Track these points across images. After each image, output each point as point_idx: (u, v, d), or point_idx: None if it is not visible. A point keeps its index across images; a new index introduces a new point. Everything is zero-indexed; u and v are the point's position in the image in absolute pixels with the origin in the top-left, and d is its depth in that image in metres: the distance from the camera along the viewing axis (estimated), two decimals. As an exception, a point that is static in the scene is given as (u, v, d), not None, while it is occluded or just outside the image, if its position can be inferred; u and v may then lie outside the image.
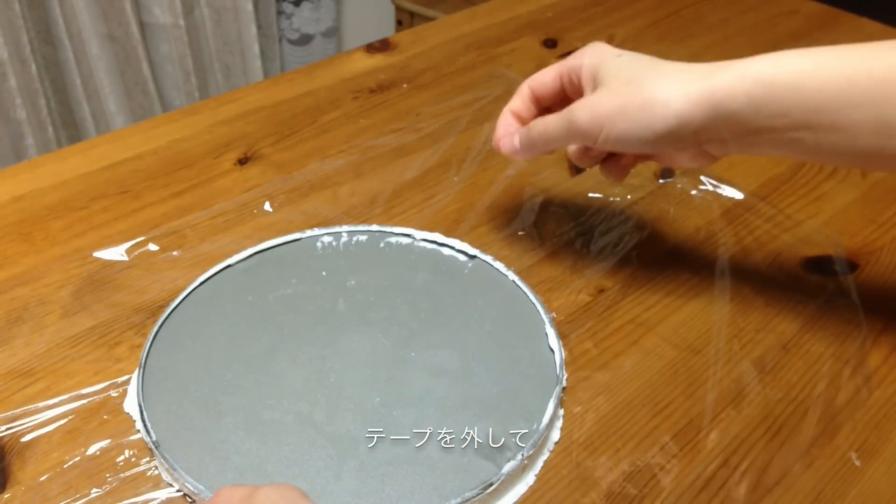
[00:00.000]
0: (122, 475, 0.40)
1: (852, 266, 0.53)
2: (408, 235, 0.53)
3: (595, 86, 0.44)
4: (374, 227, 0.53)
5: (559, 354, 0.44)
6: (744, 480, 0.40)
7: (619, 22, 0.84)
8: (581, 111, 0.43)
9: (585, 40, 0.79)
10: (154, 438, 0.40)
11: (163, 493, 0.39)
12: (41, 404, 0.43)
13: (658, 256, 0.53)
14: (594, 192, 0.58)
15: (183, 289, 0.49)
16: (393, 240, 0.53)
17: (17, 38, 1.27)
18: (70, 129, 1.46)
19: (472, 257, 0.51)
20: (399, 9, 1.69)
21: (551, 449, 0.41)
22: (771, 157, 0.63)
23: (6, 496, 0.39)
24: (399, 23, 1.71)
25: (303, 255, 0.52)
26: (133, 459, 0.41)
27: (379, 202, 0.57)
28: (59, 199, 0.58)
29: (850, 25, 0.83)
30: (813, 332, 0.48)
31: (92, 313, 0.48)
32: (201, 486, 0.38)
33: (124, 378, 0.44)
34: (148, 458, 0.41)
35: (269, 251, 0.52)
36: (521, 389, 0.43)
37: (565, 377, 0.44)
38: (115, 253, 0.53)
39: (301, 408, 0.42)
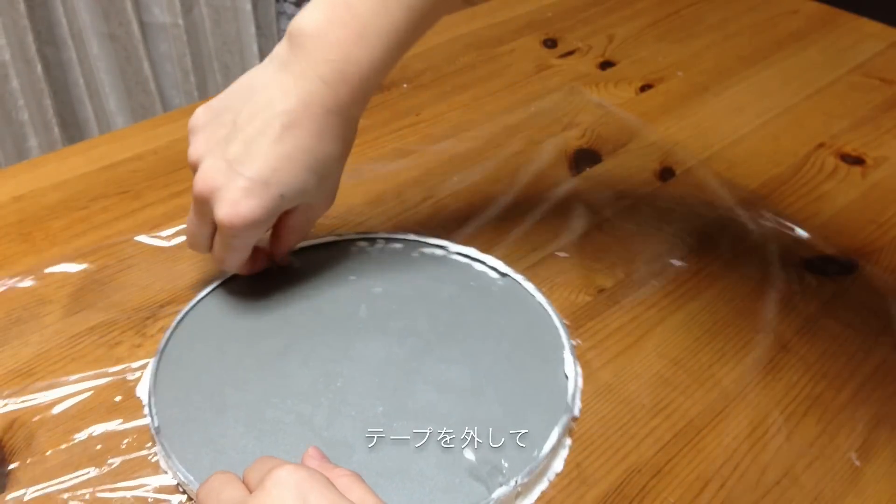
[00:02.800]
0: (123, 458, 0.40)
1: (852, 266, 0.53)
2: (442, 247, 0.52)
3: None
4: (411, 236, 0.53)
5: (573, 382, 0.43)
6: (744, 480, 0.40)
7: (619, 22, 0.84)
8: None
9: (585, 40, 0.80)
10: (156, 424, 0.41)
11: (157, 480, 0.39)
12: (60, 379, 0.44)
13: (664, 260, 0.53)
14: (646, 221, 0.56)
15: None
16: (427, 250, 0.52)
17: (21, 40, 1.26)
18: (71, 129, 1.46)
19: (504, 275, 0.50)
20: (399, 8, 1.68)
21: (552, 479, 0.40)
22: (771, 158, 0.63)
23: (11, 467, 0.40)
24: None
25: (335, 257, 0.51)
26: (137, 443, 0.41)
27: (452, 215, 0.57)
28: (59, 199, 0.58)
29: (850, 25, 0.83)
30: (813, 332, 0.48)
31: (92, 313, 0.48)
32: (191, 477, 0.38)
33: (143, 362, 0.45)
34: (151, 444, 0.41)
35: (302, 251, 0.52)
36: (528, 414, 0.41)
37: (578, 407, 0.43)
38: (159, 238, 0.54)
39: (303, 409, 0.42)
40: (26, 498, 0.39)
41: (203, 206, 0.43)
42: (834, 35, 0.81)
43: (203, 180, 0.42)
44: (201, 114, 0.44)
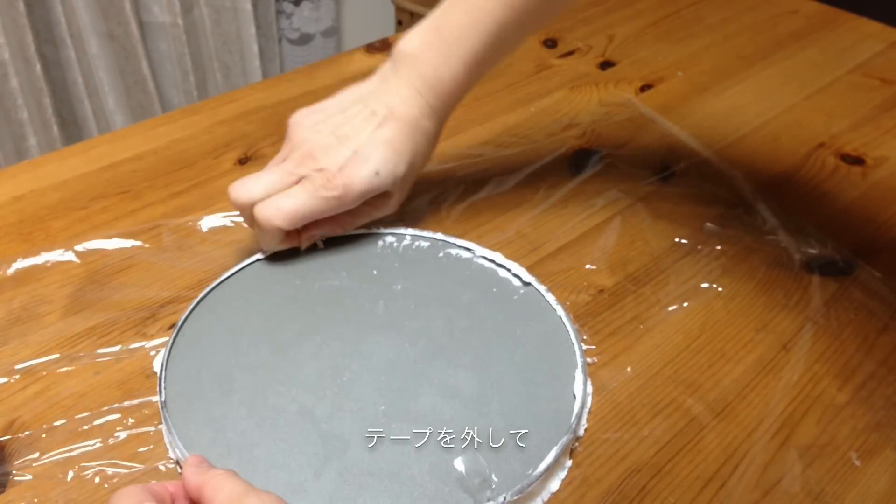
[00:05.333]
0: (130, 431, 0.41)
1: (852, 266, 0.53)
2: (469, 250, 0.51)
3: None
4: (439, 236, 0.52)
5: (580, 402, 0.42)
6: (744, 480, 0.40)
7: (619, 22, 0.84)
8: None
9: (585, 40, 0.80)
10: (163, 399, 0.41)
11: (160, 455, 0.40)
12: (79, 348, 0.46)
13: (663, 258, 0.53)
14: (646, 221, 0.56)
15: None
16: (453, 251, 0.52)
17: (20, 39, 1.26)
18: (70, 128, 1.46)
19: (527, 284, 0.49)
20: (399, 9, 1.69)
21: (546, 499, 0.39)
22: (771, 157, 0.63)
23: (23, 435, 0.41)
24: (399, 23, 1.71)
25: (361, 250, 0.51)
26: (145, 418, 0.42)
27: (454, 212, 0.57)
28: (59, 199, 0.58)
29: (850, 25, 0.83)
30: (813, 332, 0.48)
31: (92, 313, 0.48)
32: (188, 454, 0.38)
33: (162, 340, 0.46)
34: (157, 419, 0.42)
35: (330, 239, 0.52)
36: (529, 430, 0.40)
37: (583, 428, 0.42)
38: (215, 220, 0.55)
39: (306, 400, 0.42)
40: (34, 465, 0.40)
41: (305, 164, 0.48)
42: (834, 35, 0.81)
43: (314, 146, 0.48)
44: (305, 111, 0.52)
